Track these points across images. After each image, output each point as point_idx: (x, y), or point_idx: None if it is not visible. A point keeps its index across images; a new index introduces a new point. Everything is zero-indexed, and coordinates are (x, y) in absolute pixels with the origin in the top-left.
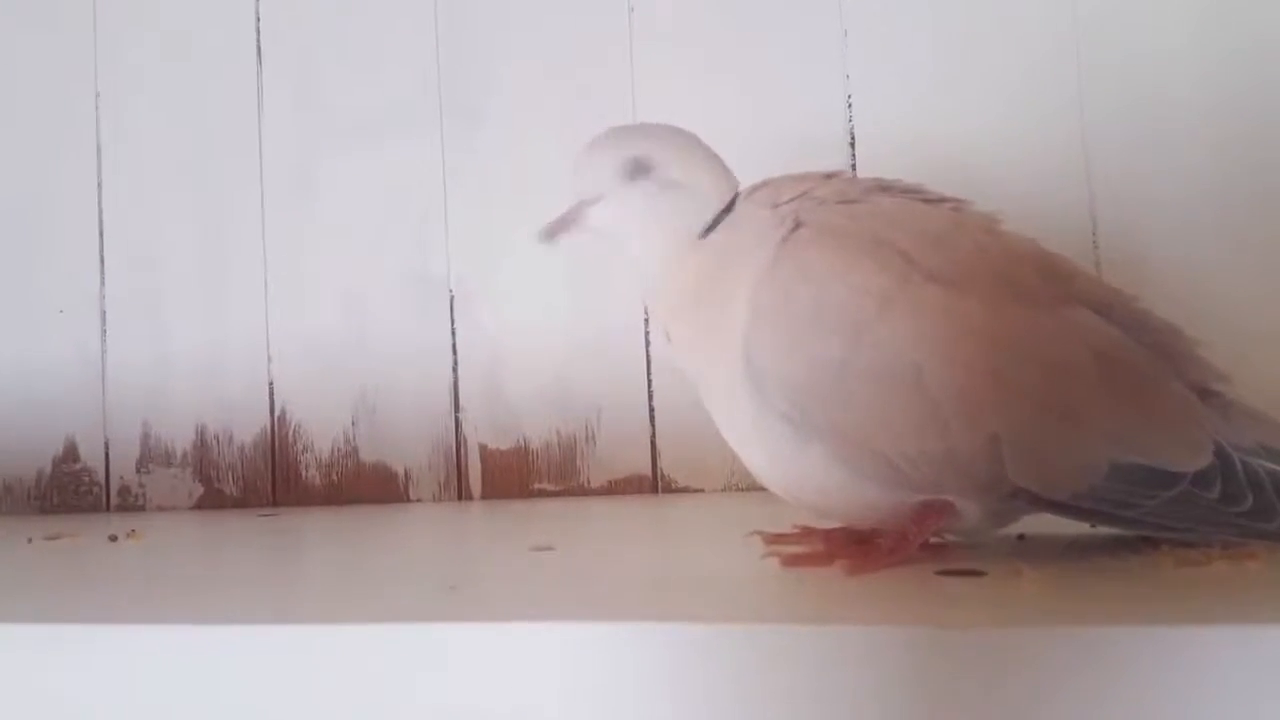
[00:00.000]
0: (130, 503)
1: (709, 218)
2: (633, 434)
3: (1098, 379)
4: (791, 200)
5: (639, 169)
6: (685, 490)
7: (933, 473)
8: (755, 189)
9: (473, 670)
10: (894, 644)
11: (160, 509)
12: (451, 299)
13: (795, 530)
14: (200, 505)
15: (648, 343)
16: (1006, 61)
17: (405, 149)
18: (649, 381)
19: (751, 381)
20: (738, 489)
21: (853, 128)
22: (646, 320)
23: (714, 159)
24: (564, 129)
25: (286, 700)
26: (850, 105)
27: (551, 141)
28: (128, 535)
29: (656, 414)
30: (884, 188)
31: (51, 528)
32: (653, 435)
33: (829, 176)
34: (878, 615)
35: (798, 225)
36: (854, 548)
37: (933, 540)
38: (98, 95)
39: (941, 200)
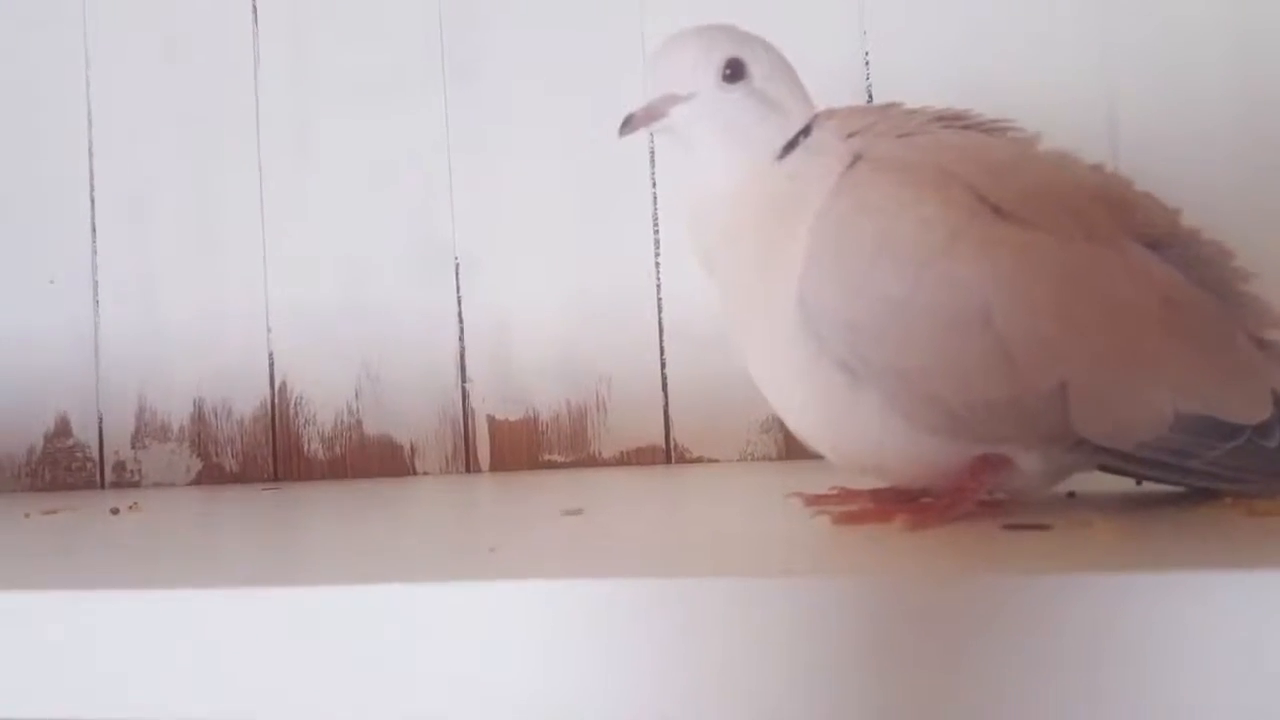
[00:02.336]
0: (126, 479)
1: (790, 137)
2: (645, 403)
3: (1163, 325)
4: (855, 134)
5: (737, 72)
6: (699, 460)
7: (996, 422)
8: (829, 116)
9: (517, 630)
10: (967, 594)
11: (157, 485)
12: (457, 265)
13: (835, 491)
14: (199, 481)
15: (660, 309)
16: (1030, 15)
17: (407, 111)
18: (661, 349)
19: (805, 325)
20: (754, 459)
21: (870, 85)
22: (659, 285)
23: (798, 78)
24: (571, 89)
25: (319, 662)
26: (868, 62)
27: (559, 102)
28: (129, 508)
29: (669, 382)
30: (943, 118)
31: (46, 505)
32: (665, 404)
33: (887, 108)
34: (948, 567)
35: (856, 159)
36: (907, 505)
37: (987, 498)
38: (87, 61)
39: (1004, 130)
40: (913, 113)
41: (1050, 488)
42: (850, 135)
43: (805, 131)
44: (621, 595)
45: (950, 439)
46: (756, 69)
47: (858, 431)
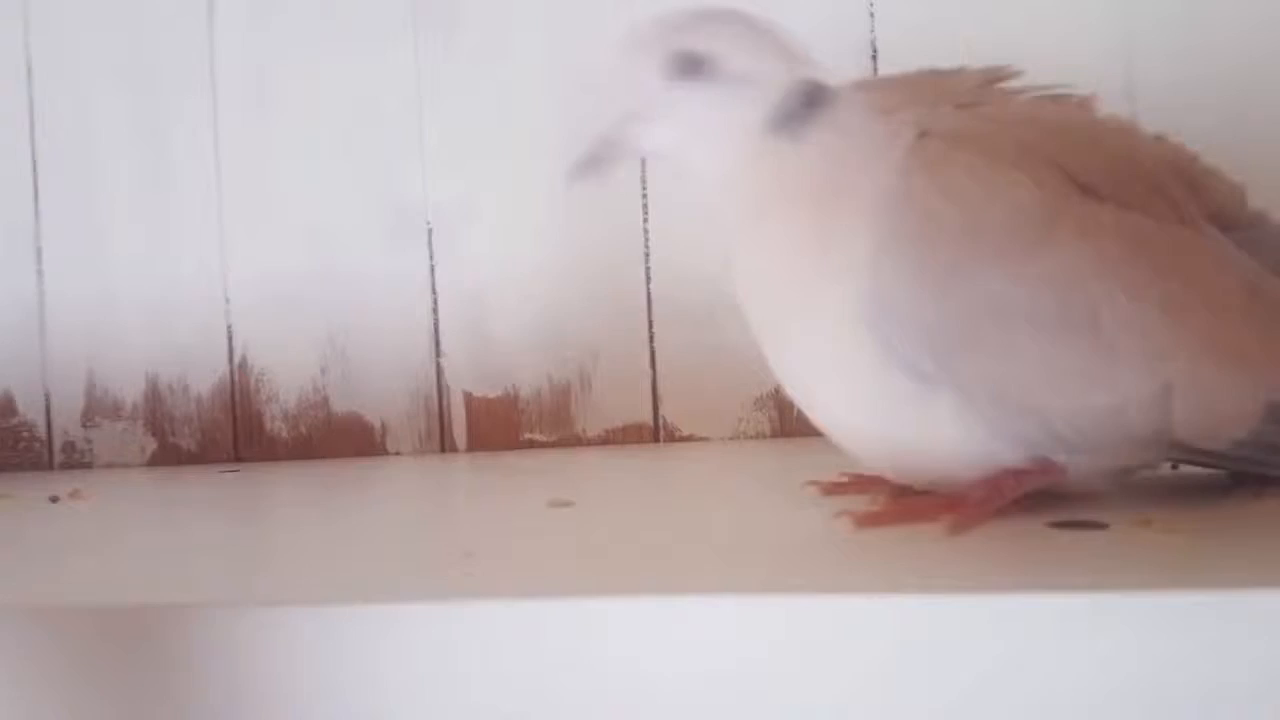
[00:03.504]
0: (76, 460)
1: (769, 107)
2: (632, 379)
3: (1249, 312)
4: (901, 107)
5: (690, 65)
6: (690, 439)
7: (1092, 431)
8: (854, 89)
9: (500, 657)
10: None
11: (110, 466)
12: (429, 230)
13: (848, 478)
14: (154, 462)
15: (648, 278)
16: None
17: (375, 61)
18: (650, 321)
19: (872, 326)
20: (746, 437)
21: (874, 38)
22: (647, 255)
23: (783, 39)
24: (553, 37)
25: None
26: (873, 13)
27: (538, 51)
28: (69, 495)
29: (658, 356)
30: (992, 80)
31: None
32: (654, 380)
33: (924, 76)
34: (996, 580)
35: (923, 134)
36: (935, 502)
37: None
38: (25, 4)
39: (1065, 96)
40: (958, 76)
41: (1103, 487)
42: (894, 109)
43: (809, 99)
44: (624, 615)
45: (1033, 448)
46: (717, 50)
47: (927, 444)
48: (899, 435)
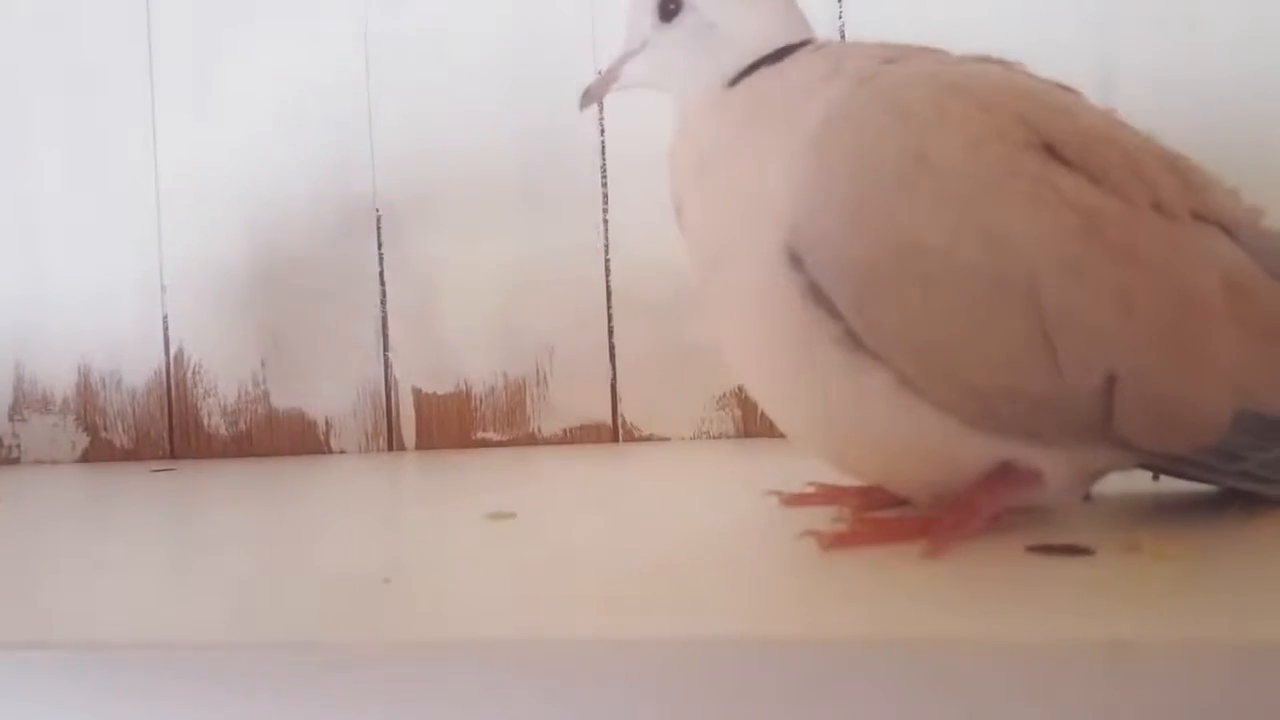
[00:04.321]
0: (4, 456)
1: (744, 65)
2: (590, 376)
3: (1226, 314)
4: (864, 63)
5: (670, 8)
6: (650, 439)
7: (1029, 414)
8: (819, 46)
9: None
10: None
11: (39, 463)
12: (378, 218)
13: (815, 489)
14: (86, 458)
15: (607, 271)
16: None
17: (321, 40)
18: (609, 315)
19: (794, 275)
20: (709, 437)
21: (843, 25)
22: (607, 247)
23: (774, 5)
24: (511, 19)
25: None
26: (841, 16)
27: (492, 33)
28: None
29: (618, 352)
30: (980, 59)
31: None
32: (613, 377)
33: (892, 45)
34: (966, 623)
35: (868, 81)
36: (908, 521)
37: None
38: None
39: (1047, 80)
40: (929, 50)
41: (1075, 495)
42: (847, 60)
43: (776, 57)
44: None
45: (974, 433)
46: None
47: (856, 419)
48: (833, 416)
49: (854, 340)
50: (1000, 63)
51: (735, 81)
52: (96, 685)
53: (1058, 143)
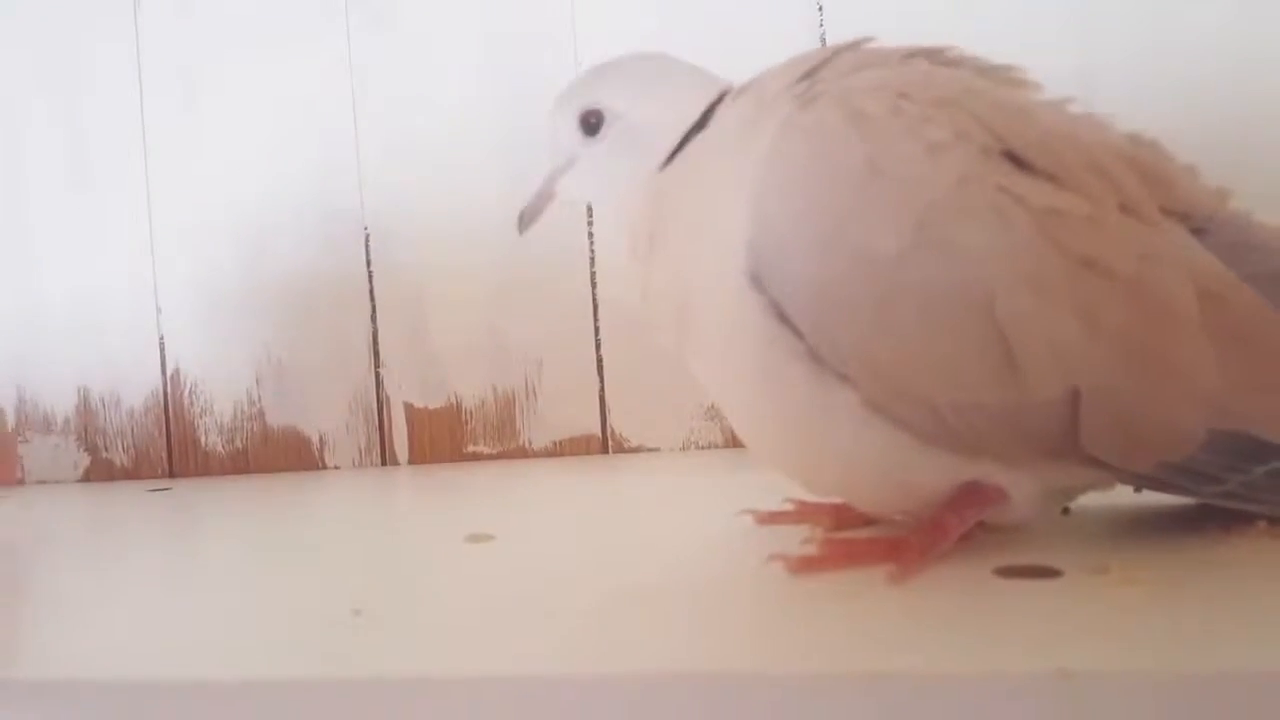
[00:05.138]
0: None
1: (674, 143)
2: (579, 388)
3: (1200, 326)
4: (794, 82)
5: (593, 123)
6: (639, 450)
7: (990, 432)
8: (737, 93)
9: None
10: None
11: (42, 482)
12: (366, 235)
13: (790, 507)
14: (88, 477)
15: (594, 284)
16: None
17: (309, 58)
18: (596, 328)
19: (755, 295)
20: (697, 447)
21: (824, 33)
22: (592, 259)
23: (684, 81)
24: (490, 33)
25: None
26: (821, 9)
27: (476, 48)
28: None
29: (606, 364)
30: (923, 55)
31: None
32: (601, 389)
33: (837, 52)
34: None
35: (815, 98)
36: (876, 543)
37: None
38: None
39: (1004, 74)
40: (878, 50)
41: (1047, 512)
42: (775, 90)
43: (700, 124)
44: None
45: (937, 452)
46: (618, 104)
47: (822, 442)
48: (800, 438)
49: (816, 357)
50: (931, 53)
51: (668, 161)
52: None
53: (1017, 147)
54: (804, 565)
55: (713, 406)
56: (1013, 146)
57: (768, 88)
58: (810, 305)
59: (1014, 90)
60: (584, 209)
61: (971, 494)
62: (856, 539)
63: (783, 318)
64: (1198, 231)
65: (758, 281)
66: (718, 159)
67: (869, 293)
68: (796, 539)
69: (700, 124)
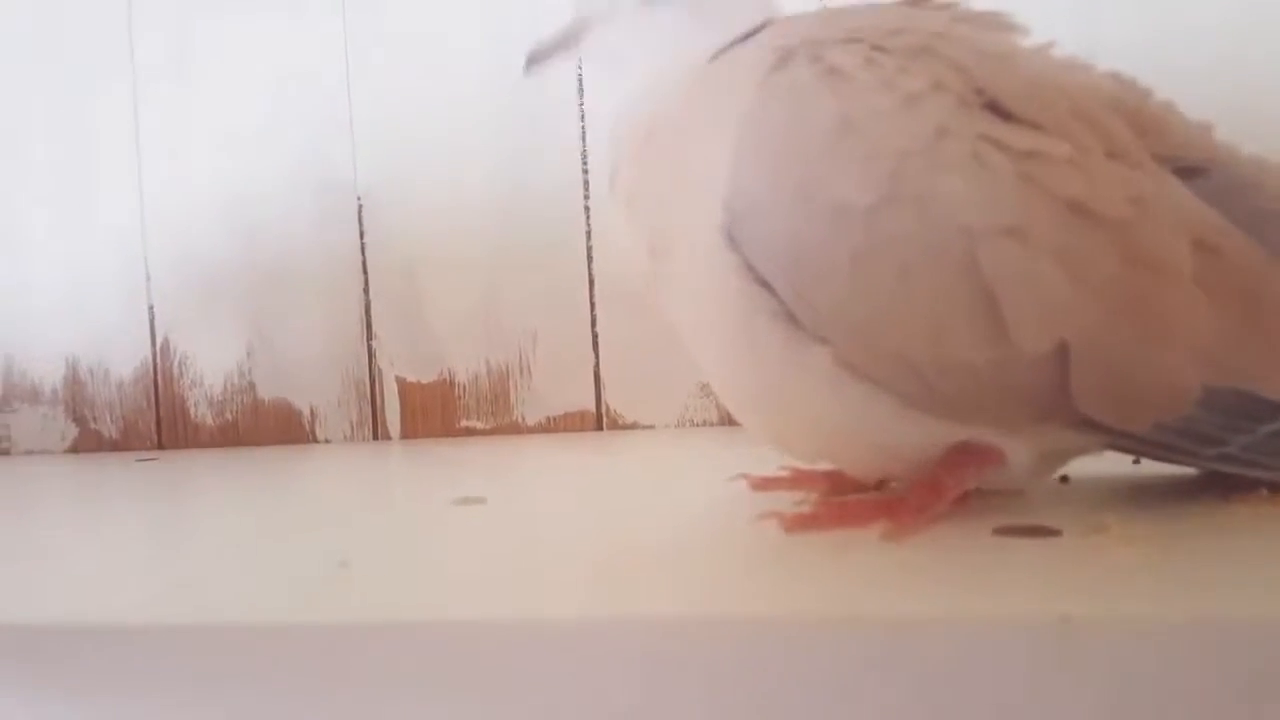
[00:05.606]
0: None
1: (727, 42)
2: (573, 363)
3: (1194, 278)
4: (800, 30)
5: None
6: (634, 427)
7: (976, 392)
8: (785, 19)
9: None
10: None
11: (30, 453)
12: (359, 206)
13: (785, 473)
14: (76, 448)
15: (590, 258)
16: None
17: (301, 25)
18: (592, 303)
19: (733, 249)
20: (693, 424)
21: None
22: (589, 231)
23: None
24: (486, 4)
25: None
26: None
27: (473, 19)
28: None
29: (601, 340)
30: (914, 2)
31: None
32: (596, 365)
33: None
34: (941, 605)
35: (790, 54)
36: (870, 505)
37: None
38: None
39: (991, 21)
40: (873, 4)
41: (1044, 477)
42: (792, 34)
43: (751, 35)
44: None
45: (919, 415)
46: None
47: (799, 401)
48: (777, 398)
49: (792, 317)
50: (930, 4)
51: (715, 57)
52: (46, 669)
53: (998, 95)
54: (798, 523)
55: (707, 384)
56: (993, 95)
57: (788, 34)
58: (784, 264)
59: (997, 34)
60: (580, 187)
61: (967, 454)
62: (851, 501)
63: (757, 277)
64: (1195, 172)
65: (733, 240)
66: (724, 93)
67: (843, 249)
68: (792, 501)
69: (749, 34)
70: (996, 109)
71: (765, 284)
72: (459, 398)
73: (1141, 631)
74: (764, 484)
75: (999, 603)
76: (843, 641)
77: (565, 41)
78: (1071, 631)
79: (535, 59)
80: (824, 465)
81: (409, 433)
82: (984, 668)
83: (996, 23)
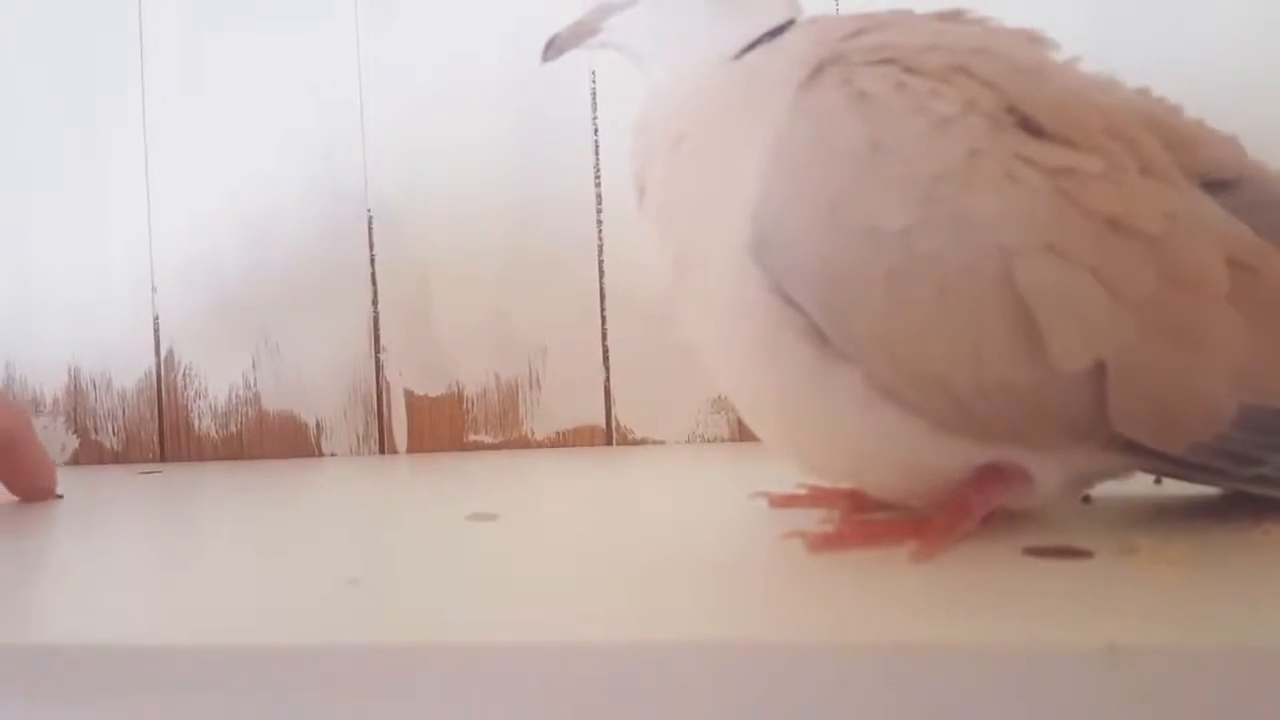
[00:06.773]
0: None
1: (753, 37)
2: (583, 378)
3: (1229, 295)
4: (842, 39)
5: None
6: (643, 443)
7: (1011, 413)
8: (813, 20)
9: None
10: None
11: None
12: (370, 218)
13: (805, 491)
14: (77, 460)
15: (601, 272)
16: None
17: (313, 37)
18: (603, 317)
19: (760, 266)
20: (704, 440)
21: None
22: (601, 246)
23: None
24: (500, 15)
25: None
26: (838, 6)
27: (487, 30)
28: None
29: (611, 354)
30: (944, 17)
31: None
32: (606, 379)
33: (874, 14)
34: (978, 631)
35: (820, 72)
36: (898, 522)
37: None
38: None
39: (1021, 35)
40: (905, 12)
41: (1071, 498)
42: (829, 40)
43: (778, 32)
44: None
45: (950, 437)
46: None
47: (827, 424)
48: (801, 417)
49: (820, 335)
50: (963, 19)
51: (740, 55)
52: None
53: (1031, 111)
54: (823, 542)
55: (719, 399)
56: (1026, 112)
57: (819, 41)
58: (816, 286)
59: (1029, 49)
60: (593, 201)
61: (995, 474)
62: (877, 519)
63: (785, 296)
64: (1224, 185)
65: (761, 258)
66: (757, 100)
67: (879, 270)
68: (814, 520)
69: (775, 31)
70: (1029, 126)
71: (792, 302)
72: (467, 411)
73: (1189, 659)
74: (784, 501)
75: (1038, 629)
76: (876, 668)
77: (583, 30)
78: (1119, 661)
79: (553, 47)
80: (846, 484)
81: (416, 446)
82: (1025, 698)
83: (1028, 38)
